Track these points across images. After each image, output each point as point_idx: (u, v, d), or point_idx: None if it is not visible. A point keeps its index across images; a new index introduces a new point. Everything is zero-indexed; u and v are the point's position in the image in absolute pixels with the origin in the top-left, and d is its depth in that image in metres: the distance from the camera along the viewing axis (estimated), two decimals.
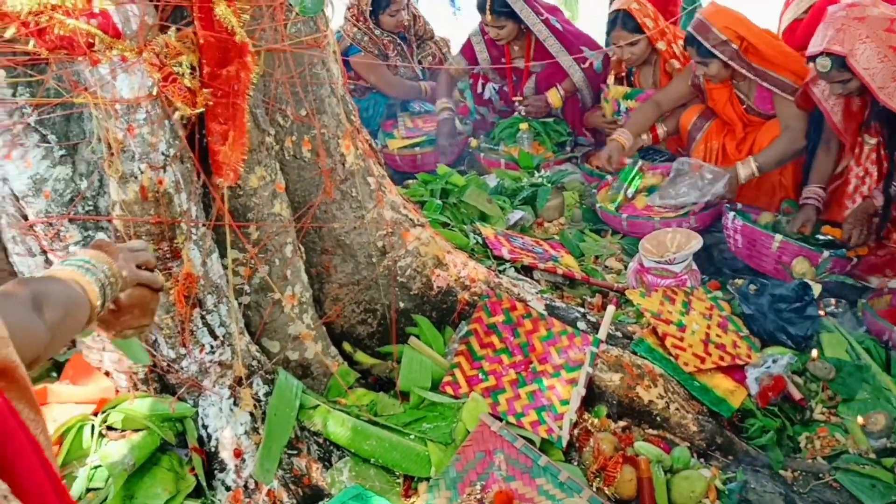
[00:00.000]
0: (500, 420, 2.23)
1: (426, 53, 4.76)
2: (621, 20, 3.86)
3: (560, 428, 2.24)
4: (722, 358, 2.58)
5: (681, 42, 3.81)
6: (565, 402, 2.29)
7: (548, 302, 2.66)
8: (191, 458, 2.07)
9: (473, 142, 4.35)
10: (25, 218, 2.06)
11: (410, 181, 3.75)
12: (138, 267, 1.27)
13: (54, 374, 2.34)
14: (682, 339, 2.60)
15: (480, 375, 2.38)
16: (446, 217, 3.28)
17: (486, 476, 2.08)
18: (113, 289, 1.19)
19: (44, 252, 2.14)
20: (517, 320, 2.49)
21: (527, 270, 3.01)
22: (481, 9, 4.23)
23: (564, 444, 2.22)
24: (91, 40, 1.74)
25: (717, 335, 2.67)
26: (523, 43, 4.37)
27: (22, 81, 1.84)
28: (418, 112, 4.66)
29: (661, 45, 3.88)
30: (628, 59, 3.97)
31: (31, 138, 1.91)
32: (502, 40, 4.32)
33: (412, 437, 2.19)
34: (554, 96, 4.36)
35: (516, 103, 4.50)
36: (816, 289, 2.80)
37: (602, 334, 2.48)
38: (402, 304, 2.57)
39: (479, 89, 4.64)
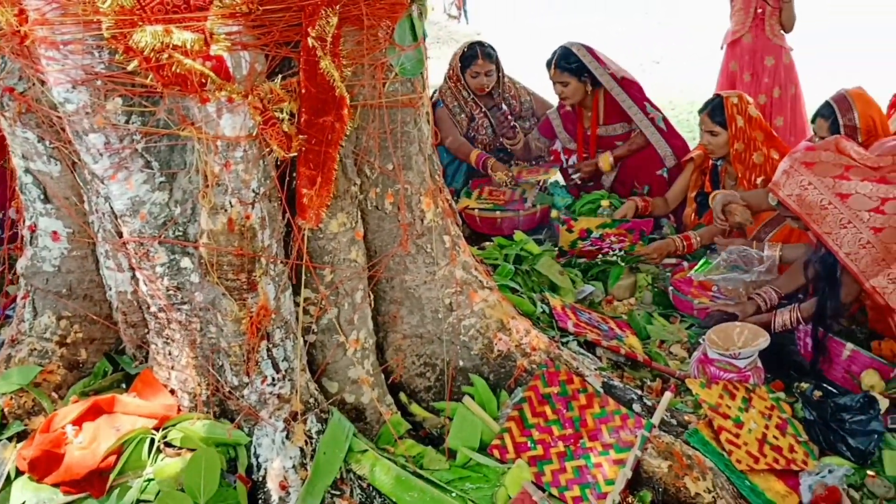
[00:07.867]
0: (543, 491, 2.24)
1: (512, 133, 4.80)
2: (712, 108, 3.85)
3: None
4: (777, 460, 2.52)
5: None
6: (610, 482, 2.27)
7: (606, 380, 2.66)
8: (236, 485, 2.13)
9: (554, 212, 4.39)
10: (120, 235, 2.20)
11: (488, 243, 3.81)
12: None
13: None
14: (737, 436, 2.55)
15: (529, 443, 2.39)
16: (517, 283, 3.32)
17: None
18: None
19: (132, 269, 2.27)
20: (572, 394, 2.50)
21: (590, 346, 3.02)
22: (548, 64, 4.39)
23: None
24: (203, 80, 1.88)
25: (775, 436, 2.61)
26: (591, 106, 4.46)
27: (136, 111, 1.99)
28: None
29: (738, 147, 3.81)
30: (707, 146, 3.94)
31: (136, 163, 2.05)
32: (567, 99, 4.42)
33: (454, 494, 2.21)
34: (605, 161, 4.43)
35: (570, 171, 4.57)
36: (884, 403, 2.71)
37: (656, 419, 2.46)
38: (461, 363, 2.61)
39: (563, 163, 4.70)
